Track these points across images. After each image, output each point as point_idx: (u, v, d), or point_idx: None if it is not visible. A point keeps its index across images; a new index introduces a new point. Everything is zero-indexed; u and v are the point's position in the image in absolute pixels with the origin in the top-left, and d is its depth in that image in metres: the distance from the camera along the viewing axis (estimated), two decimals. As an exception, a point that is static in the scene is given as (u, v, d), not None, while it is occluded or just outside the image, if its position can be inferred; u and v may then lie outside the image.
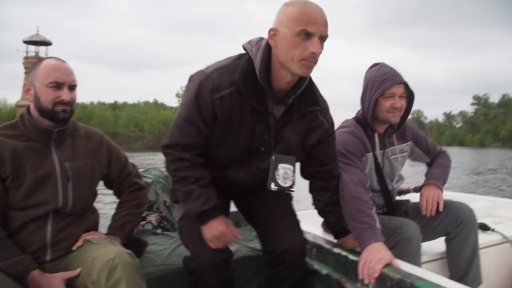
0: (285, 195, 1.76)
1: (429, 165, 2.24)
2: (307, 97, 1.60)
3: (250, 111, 1.53)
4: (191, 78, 1.56)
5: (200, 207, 1.56)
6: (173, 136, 1.58)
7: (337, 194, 1.81)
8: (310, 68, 1.44)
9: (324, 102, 1.68)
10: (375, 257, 1.58)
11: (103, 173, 1.80)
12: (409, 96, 2.02)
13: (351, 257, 1.73)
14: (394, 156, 2.11)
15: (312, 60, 1.42)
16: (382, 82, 1.94)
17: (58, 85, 1.61)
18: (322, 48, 1.42)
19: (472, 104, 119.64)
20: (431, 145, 2.24)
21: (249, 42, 1.57)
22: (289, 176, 1.61)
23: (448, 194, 2.66)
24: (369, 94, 1.98)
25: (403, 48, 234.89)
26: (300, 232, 1.74)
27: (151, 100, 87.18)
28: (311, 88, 1.61)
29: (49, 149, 1.65)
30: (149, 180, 2.68)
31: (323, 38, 1.41)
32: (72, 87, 1.65)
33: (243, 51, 1.58)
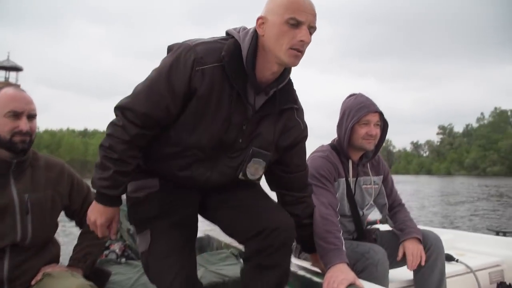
0: (254, 183, 1.63)
1: (389, 209, 2.24)
2: (287, 94, 1.54)
3: (229, 95, 1.43)
4: (170, 48, 1.46)
5: (103, 189, 1.44)
6: (130, 101, 1.42)
7: (312, 205, 1.78)
8: (298, 58, 1.40)
9: (300, 103, 1.64)
10: (338, 277, 1.59)
11: (64, 204, 1.75)
12: (383, 125, 2.09)
13: (315, 279, 1.74)
14: (366, 186, 2.15)
15: (300, 48, 1.38)
16: (358, 109, 2.02)
17: (16, 115, 1.56)
18: (310, 38, 1.39)
19: (438, 133, 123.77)
20: (395, 192, 2.27)
21: (234, 28, 1.51)
22: (259, 172, 1.56)
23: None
24: (346, 121, 2.04)
25: (373, 79, 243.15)
26: (287, 213, 1.58)
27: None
28: (291, 85, 1.56)
29: (7, 181, 1.59)
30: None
31: (312, 28, 1.39)
32: (31, 117, 1.61)
33: None
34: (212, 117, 1.42)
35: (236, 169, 1.52)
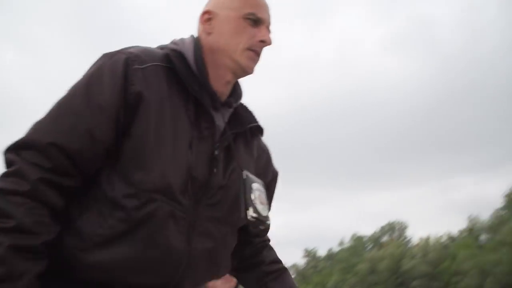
0: None
1: None
2: (248, 111, 1.21)
3: (185, 107, 1.04)
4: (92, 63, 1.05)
5: None
6: (28, 133, 0.97)
7: (273, 250, 1.36)
8: (255, 62, 1.12)
9: None
10: None
11: None
12: None
13: None
14: None
15: (259, 51, 1.12)
16: None
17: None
18: (271, 40, 1.13)
19: (303, 256, 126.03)
20: None
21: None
22: (264, 202, 1.12)
23: None
24: None
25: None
26: None
27: None
28: (246, 105, 1.23)
29: None
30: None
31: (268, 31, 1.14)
32: None
33: None
34: (173, 138, 1.01)
35: (226, 237, 1.10)
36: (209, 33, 1.11)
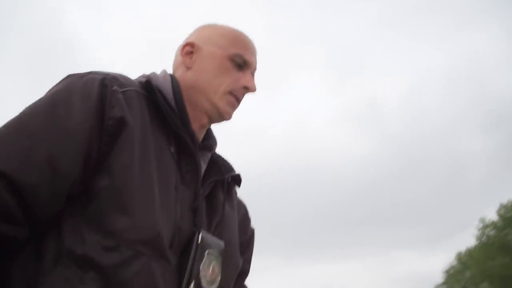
0: None
1: None
2: (224, 159, 1.06)
3: (167, 143, 0.89)
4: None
5: None
6: None
7: None
8: (234, 108, 1.00)
9: None
10: None
11: None
12: None
13: None
14: None
15: (240, 97, 1.00)
16: None
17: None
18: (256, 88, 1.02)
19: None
20: None
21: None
22: (216, 276, 0.89)
23: None
24: None
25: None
26: None
27: None
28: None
29: None
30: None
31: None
32: None
33: None
34: (159, 178, 0.84)
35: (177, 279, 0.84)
36: (188, 68, 0.99)
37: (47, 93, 0.84)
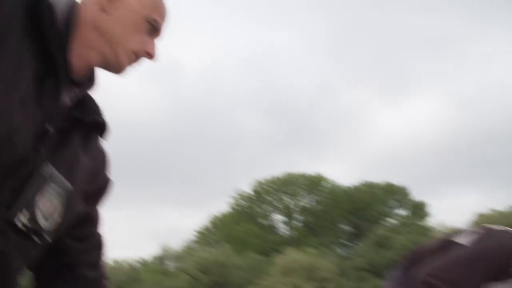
0: None
1: None
2: (96, 104, 1.00)
3: (35, 57, 0.82)
4: None
5: None
6: None
7: None
8: (129, 67, 0.99)
9: None
10: None
11: None
12: None
13: None
14: None
15: (138, 61, 0.99)
16: None
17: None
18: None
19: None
20: None
21: None
22: (54, 213, 0.86)
23: None
24: None
25: None
26: None
27: None
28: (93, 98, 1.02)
29: None
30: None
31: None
32: None
33: None
34: (6, 82, 0.76)
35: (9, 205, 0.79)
36: (103, 11, 0.93)
37: None
